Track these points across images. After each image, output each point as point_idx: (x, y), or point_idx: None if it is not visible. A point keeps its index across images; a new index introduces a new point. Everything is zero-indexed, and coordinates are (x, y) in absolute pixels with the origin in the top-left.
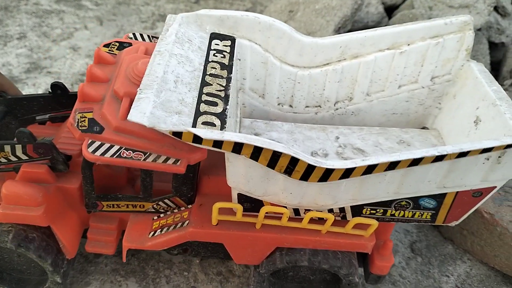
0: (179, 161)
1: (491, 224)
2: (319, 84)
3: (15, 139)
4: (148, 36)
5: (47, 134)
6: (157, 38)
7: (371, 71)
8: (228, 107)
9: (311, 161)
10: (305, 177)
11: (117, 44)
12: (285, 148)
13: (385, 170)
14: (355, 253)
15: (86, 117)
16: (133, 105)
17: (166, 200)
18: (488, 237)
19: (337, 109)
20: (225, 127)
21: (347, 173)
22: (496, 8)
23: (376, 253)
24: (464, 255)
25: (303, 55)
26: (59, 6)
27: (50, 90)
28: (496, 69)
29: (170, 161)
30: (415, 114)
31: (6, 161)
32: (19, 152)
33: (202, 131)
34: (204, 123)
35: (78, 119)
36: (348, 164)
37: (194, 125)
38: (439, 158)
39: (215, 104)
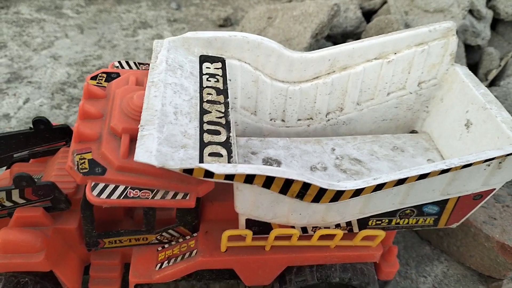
0: (188, 195)
1: (465, 225)
2: (310, 97)
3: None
4: (135, 63)
5: (33, 172)
6: (143, 64)
7: (361, 81)
8: (231, 134)
9: (324, 185)
10: (317, 199)
11: (105, 75)
12: (298, 175)
13: (394, 186)
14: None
15: (86, 158)
16: (137, 144)
17: (170, 231)
18: (463, 237)
19: (328, 120)
20: (232, 156)
21: (358, 192)
22: (471, 12)
23: (381, 260)
24: (441, 256)
25: (292, 71)
26: (40, 15)
27: (31, 126)
28: (472, 72)
29: (179, 196)
30: (404, 119)
31: (0, 207)
32: (15, 196)
33: (214, 166)
34: (211, 154)
35: (78, 161)
36: (360, 184)
37: (201, 158)
38: (446, 171)
39: (218, 132)
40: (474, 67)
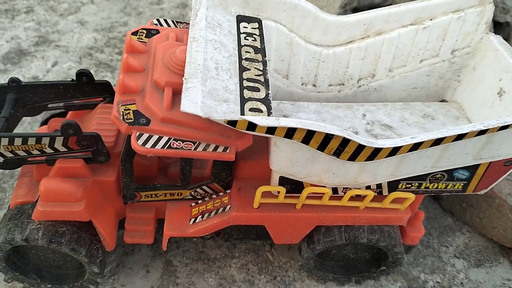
0: (228, 149)
1: (490, 196)
2: (343, 62)
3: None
4: (173, 21)
5: None
6: (181, 23)
7: (395, 47)
8: (270, 91)
9: (363, 141)
10: (353, 157)
11: (145, 31)
12: (338, 130)
13: (430, 146)
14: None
15: (130, 110)
16: (182, 95)
17: (204, 187)
18: (486, 209)
19: (360, 86)
20: (271, 112)
21: (395, 151)
22: None
23: (407, 225)
24: (463, 227)
25: (327, 34)
26: None
27: (73, 78)
28: None
29: (220, 149)
30: (435, 88)
31: (39, 153)
32: (58, 144)
33: (258, 119)
34: (251, 109)
35: (123, 111)
36: (398, 143)
37: (242, 112)
38: (482, 132)
39: (257, 89)
40: None
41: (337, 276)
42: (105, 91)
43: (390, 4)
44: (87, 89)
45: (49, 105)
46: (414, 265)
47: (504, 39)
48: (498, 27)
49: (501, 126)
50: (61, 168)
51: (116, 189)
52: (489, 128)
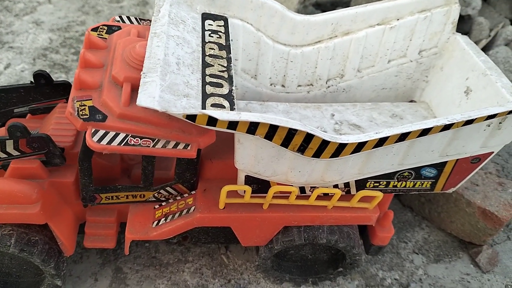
0: (189, 146)
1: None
2: (311, 62)
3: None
4: (136, 18)
5: (30, 128)
6: (145, 20)
7: (362, 47)
8: (233, 88)
9: (327, 136)
10: (318, 154)
11: (106, 27)
12: (301, 125)
13: (396, 141)
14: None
15: (86, 105)
16: (140, 89)
17: (168, 188)
18: (444, 203)
19: (328, 86)
20: (234, 108)
21: (360, 147)
22: None
23: (377, 225)
24: (422, 222)
25: (295, 33)
26: None
27: (32, 80)
28: None
29: (180, 146)
30: (404, 88)
31: None
32: (9, 147)
33: (218, 113)
34: (213, 105)
35: (78, 107)
36: (362, 138)
37: (203, 108)
38: (447, 127)
39: (220, 85)
40: None
41: (294, 276)
42: (66, 91)
43: (350, 0)
44: (47, 90)
45: (15, 110)
46: (372, 263)
47: (466, 32)
48: (460, 20)
49: (466, 121)
50: (16, 169)
51: (75, 191)
52: (453, 122)
